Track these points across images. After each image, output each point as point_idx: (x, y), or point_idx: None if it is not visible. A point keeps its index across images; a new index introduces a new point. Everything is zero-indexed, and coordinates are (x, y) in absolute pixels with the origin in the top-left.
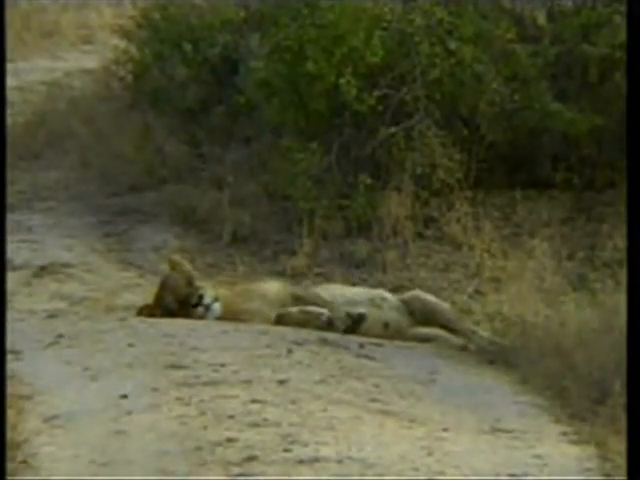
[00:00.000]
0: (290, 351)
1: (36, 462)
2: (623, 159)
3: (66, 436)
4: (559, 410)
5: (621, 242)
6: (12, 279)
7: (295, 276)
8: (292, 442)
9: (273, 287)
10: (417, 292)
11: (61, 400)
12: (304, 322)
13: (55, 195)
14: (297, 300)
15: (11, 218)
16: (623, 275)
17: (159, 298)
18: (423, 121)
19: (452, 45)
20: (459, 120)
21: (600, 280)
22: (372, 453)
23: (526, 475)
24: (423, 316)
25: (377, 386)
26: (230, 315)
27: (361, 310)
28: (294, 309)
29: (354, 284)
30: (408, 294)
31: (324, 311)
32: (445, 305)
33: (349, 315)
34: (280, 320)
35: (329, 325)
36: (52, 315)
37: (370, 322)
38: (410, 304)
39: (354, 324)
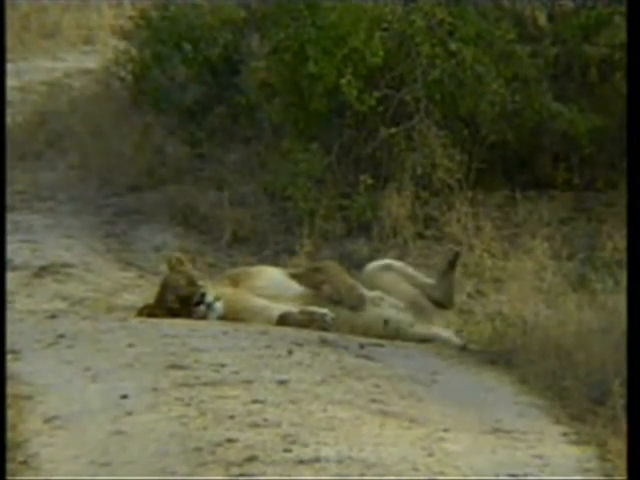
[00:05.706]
0: (290, 351)
1: (36, 462)
2: (623, 159)
3: (66, 436)
4: (559, 410)
5: (621, 242)
6: (12, 279)
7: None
8: (292, 442)
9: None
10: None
11: (61, 400)
12: (307, 323)
13: (55, 195)
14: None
15: (11, 218)
16: (623, 275)
17: (160, 298)
18: (423, 121)
19: (453, 46)
20: (459, 121)
21: (600, 280)
22: (372, 453)
23: (526, 475)
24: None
25: (377, 386)
26: (231, 315)
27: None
28: (296, 309)
29: None
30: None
31: (326, 311)
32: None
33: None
34: (282, 321)
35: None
36: (52, 315)
37: (370, 320)
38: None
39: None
